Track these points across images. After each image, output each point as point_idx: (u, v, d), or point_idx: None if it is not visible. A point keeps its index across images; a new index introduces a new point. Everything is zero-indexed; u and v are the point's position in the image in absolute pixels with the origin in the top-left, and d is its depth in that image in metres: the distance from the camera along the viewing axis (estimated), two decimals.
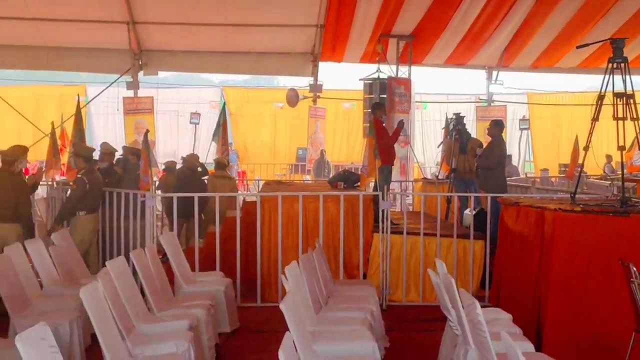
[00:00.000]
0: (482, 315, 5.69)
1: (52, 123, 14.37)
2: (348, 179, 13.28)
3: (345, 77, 28.80)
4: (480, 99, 27.10)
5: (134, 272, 8.03)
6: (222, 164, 15.76)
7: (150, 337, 7.02)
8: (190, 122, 23.33)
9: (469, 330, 6.14)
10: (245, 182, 24.74)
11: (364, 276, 11.22)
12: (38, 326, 5.07)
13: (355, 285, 9.82)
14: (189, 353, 6.73)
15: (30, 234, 10.76)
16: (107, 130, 28.32)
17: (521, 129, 27.45)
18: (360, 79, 19.71)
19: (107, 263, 7.50)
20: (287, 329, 5.67)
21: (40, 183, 12.93)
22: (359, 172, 12.81)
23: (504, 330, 5.85)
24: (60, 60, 20.90)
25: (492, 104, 24.79)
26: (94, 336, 8.47)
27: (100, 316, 6.41)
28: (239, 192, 18.80)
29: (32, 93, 28.64)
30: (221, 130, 17.90)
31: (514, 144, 28.13)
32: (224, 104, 20.73)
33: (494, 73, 22.59)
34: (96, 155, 12.50)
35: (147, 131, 11.86)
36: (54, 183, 13.81)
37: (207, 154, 19.68)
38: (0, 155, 10.91)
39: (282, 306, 5.85)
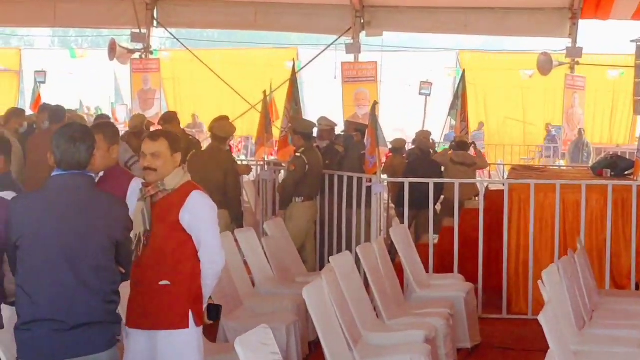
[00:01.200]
0: None
1: (264, 92, 14.77)
2: (616, 165, 12.99)
3: (612, 38, 28.09)
4: None
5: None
6: (463, 145, 15.53)
7: (381, 348, 7.18)
8: (420, 93, 23.46)
9: None
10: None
11: (637, 286, 10.96)
12: (259, 329, 5.33)
13: (626, 297, 9.64)
14: None
15: (239, 222, 11.13)
16: (322, 101, 28.74)
17: None
18: (632, 41, 19.17)
19: (331, 259, 7.72)
20: (541, 348, 5.68)
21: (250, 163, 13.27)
22: (634, 158, 12.47)
23: None
24: (269, 19, 21.50)
25: None
26: (311, 344, 8.85)
27: (325, 321, 6.62)
28: (480, 178, 18.70)
29: (235, 57, 29.41)
30: (460, 103, 17.86)
31: None
32: (462, 71, 20.55)
33: None
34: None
35: (376, 103, 11.96)
36: (265, 164, 14.21)
37: (442, 133, 19.69)
38: (210, 130, 11.35)
39: (541, 318, 5.86)
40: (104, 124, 7.35)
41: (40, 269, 5.06)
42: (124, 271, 5.33)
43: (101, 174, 6.54)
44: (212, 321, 6.12)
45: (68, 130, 5.29)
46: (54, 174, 5.21)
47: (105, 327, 5.14)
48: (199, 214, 5.88)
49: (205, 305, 6.00)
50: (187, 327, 5.83)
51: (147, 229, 5.90)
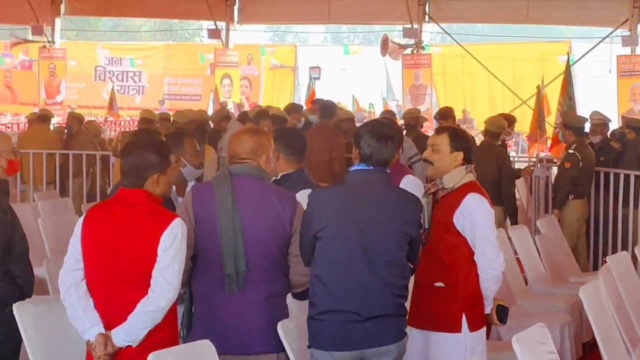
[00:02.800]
0: None
1: (538, 87, 14.58)
2: None
3: None
4: None
5: None
6: None
7: None
8: None
9: None
10: None
11: None
12: (536, 328, 5.28)
13: None
14: None
15: (513, 219, 11.10)
16: (596, 96, 28.11)
17: None
18: None
19: (607, 259, 7.54)
20: None
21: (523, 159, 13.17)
22: None
23: None
24: (542, 13, 21.22)
25: None
26: (585, 345, 8.70)
27: (603, 322, 6.47)
28: None
29: (506, 51, 29.13)
30: None
31: None
32: None
33: None
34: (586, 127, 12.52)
35: None
36: (537, 161, 14.09)
37: None
38: (485, 126, 11.36)
39: None
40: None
41: (338, 261, 5.19)
42: (412, 267, 5.41)
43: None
44: (502, 323, 6.06)
45: (378, 128, 5.43)
46: (353, 168, 5.35)
47: (395, 320, 5.24)
48: (474, 218, 5.78)
49: (489, 308, 5.95)
50: (459, 331, 5.77)
51: (426, 228, 5.85)
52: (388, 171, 5.37)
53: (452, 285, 5.81)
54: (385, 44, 21.74)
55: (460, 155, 5.87)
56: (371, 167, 5.28)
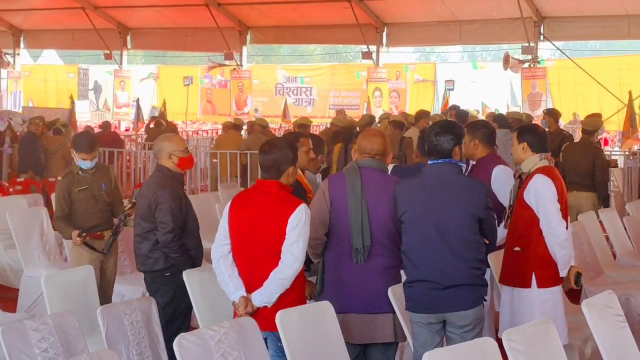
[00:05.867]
0: None
1: (630, 93, 14.15)
2: None
3: None
4: None
5: None
6: None
7: None
8: None
9: None
10: None
11: None
12: (605, 294, 5.13)
13: None
14: None
15: (605, 203, 10.75)
16: None
17: None
18: None
19: None
20: None
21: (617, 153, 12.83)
22: None
23: None
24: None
25: None
26: None
27: None
28: None
29: (612, 63, 28.32)
30: None
31: None
32: None
33: None
34: None
35: None
36: (630, 154, 13.67)
37: None
38: (582, 125, 11.06)
39: None
40: (477, 123, 7.38)
41: (418, 239, 5.21)
42: (487, 242, 5.32)
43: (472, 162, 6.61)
44: (577, 287, 5.92)
45: (434, 125, 5.42)
46: (429, 162, 5.33)
47: (472, 289, 5.18)
48: (538, 194, 5.73)
49: (563, 272, 5.80)
50: (530, 287, 5.73)
51: (511, 204, 5.91)
52: (458, 163, 5.30)
53: (525, 250, 5.79)
54: (506, 59, 21.38)
55: (524, 145, 5.85)
56: (440, 161, 5.24)
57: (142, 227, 6.28)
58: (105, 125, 18.79)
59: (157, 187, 6.21)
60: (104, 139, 16.10)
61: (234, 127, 16.06)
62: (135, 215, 6.57)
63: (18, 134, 16.29)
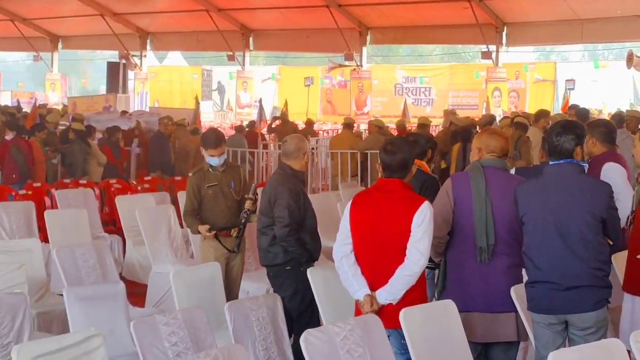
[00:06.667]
0: None
1: None
2: None
3: None
4: None
5: None
6: None
7: None
8: None
9: None
10: None
11: None
12: None
13: None
14: None
15: None
16: None
17: None
18: None
19: None
20: None
21: None
22: None
23: None
24: None
25: None
26: None
27: None
28: None
29: None
30: None
31: None
32: None
33: None
34: None
35: None
36: None
37: None
38: None
39: None
40: (596, 122, 7.23)
41: (539, 240, 5.11)
42: (612, 243, 5.18)
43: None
44: None
45: (555, 125, 5.31)
46: (550, 163, 5.23)
47: (593, 291, 5.04)
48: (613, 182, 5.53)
49: None
50: None
51: (633, 210, 5.72)
52: (580, 163, 5.17)
53: None
54: (630, 58, 20.77)
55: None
56: (561, 161, 5.12)
57: (262, 222, 6.49)
58: (250, 124, 19.38)
59: (277, 183, 6.43)
60: (250, 138, 16.75)
61: (346, 126, 16.14)
62: (258, 211, 6.76)
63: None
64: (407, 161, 5.18)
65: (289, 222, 6.24)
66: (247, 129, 18.64)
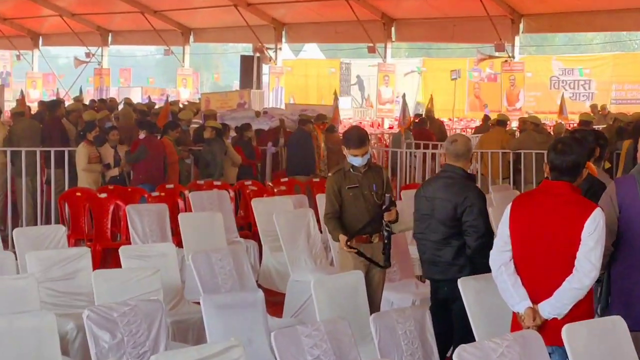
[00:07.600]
0: None
1: None
2: None
3: None
4: None
5: None
6: None
7: None
8: None
9: None
10: None
11: None
12: None
13: None
14: None
15: None
16: None
17: None
18: None
19: None
20: None
21: None
22: None
23: None
24: None
25: None
26: None
27: None
28: None
29: None
30: None
31: None
32: None
33: None
34: None
35: None
36: None
37: None
38: None
39: None
40: None
41: None
42: None
43: None
44: None
45: None
46: None
47: None
48: None
49: None
50: None
51: None
52: None
53: None
54: None
55: None
56: None
57: (442, 233, 6.48)
58: (422, 121, 19.58)
59: (462, 189, 6.44)
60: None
61: (498, 123, 15.93)
62: (420, 219, 6.73)
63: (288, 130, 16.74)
64: (578, 163, 5.08)
65: (485, 232, 6.24)
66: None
